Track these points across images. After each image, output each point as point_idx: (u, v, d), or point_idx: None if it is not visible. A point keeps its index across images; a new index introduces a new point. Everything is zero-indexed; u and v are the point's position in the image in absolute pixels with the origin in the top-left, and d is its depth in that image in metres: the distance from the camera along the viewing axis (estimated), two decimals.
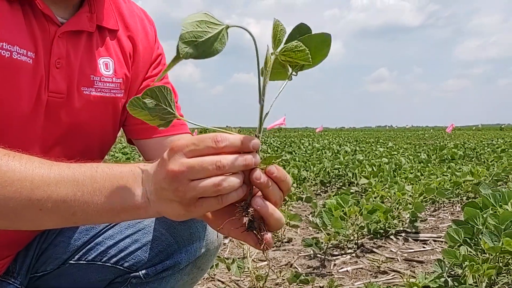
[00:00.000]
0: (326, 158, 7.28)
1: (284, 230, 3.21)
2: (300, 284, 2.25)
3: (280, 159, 0.86)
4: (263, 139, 18.45)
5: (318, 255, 2.80)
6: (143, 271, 1.13)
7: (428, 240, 3.14)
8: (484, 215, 2.24)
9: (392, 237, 3.17)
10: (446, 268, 2.01)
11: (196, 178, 0.73)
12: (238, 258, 2.52)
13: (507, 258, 2.08)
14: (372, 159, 7.21)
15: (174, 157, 0.74)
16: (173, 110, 0.79)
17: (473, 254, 2.07)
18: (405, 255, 2.83)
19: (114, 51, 1.14)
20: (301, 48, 0.72)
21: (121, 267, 1.15)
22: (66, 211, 0.79)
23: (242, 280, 2.39)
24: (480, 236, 2.14)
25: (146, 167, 0.81)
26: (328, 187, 5.53)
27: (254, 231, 0.79)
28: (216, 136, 0.74)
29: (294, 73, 0.78)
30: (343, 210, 2.95)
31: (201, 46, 0.67)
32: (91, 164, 0.83)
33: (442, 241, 3.05)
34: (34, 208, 0.79)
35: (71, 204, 0.79)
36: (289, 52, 0.73)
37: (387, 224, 3.17)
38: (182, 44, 0.66)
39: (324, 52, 0.76)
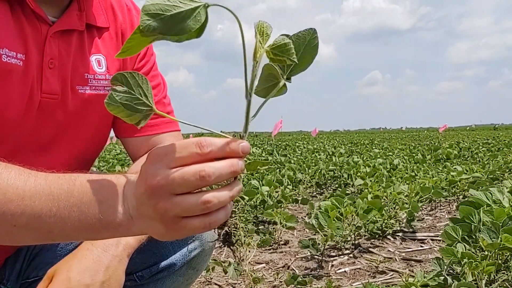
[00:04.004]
0: (321, 160, 7.27)
1: (281, 232, 3.19)
2: (298, 286, 2.23)
3: (267, 167, 0.79)
4: (258, 143, 18.40)
5: (315, 256, 2.78)
6: (138, 274, 1.11)
7: (425, 239, 3.13)
8: (480, 213, 2.23)
9: (389, 237, 3.16)
10: (445, 266, 1.99)
11: (178, 192, 0.65)
12: (235, 261, 2.49)
13: (506, 255, 2.07)
14: (367, 160, 7.20)
15: (154, 167, 0.66)
16: (149, 102, 0.69)
17: (472, 252, 2.06)
18: (403, 254, 2.81)
19: (104, 47, 1.12)
20: (290, 46, 0.65)
21: None
22: (42, 227, 0.73)
23: (239, 283, 2.36)
24: (477, 234, 2.13)
25: (129, 179, 0.73)
26: (324, 189, 5.51)
27: (231, 247, 0.71)
28: (201, 141, 0.65)
29: (287, 79, 0.71)
30: (339, 211, 2.93)
31: (169, 21, 0.59)
32: (70, 175, 0.76)
33: (440, 240, 3.04)
34: (7, 223, 0.72)
35: (47, 220, 0.72)
36: (277, 47, 0.65)
37: (384, 224, 3.15)
38: (145, 16, 0.58)
39: (313, 48, 0.70)
